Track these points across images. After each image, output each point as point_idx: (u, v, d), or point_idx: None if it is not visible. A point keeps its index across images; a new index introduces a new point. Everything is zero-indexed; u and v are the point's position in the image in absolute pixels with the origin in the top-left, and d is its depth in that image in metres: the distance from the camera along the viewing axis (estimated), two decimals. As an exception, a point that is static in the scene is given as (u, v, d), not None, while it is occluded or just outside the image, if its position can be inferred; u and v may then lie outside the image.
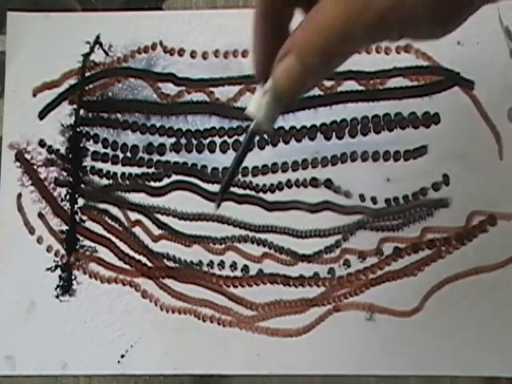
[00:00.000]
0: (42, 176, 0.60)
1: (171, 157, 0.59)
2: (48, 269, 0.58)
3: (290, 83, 0.31)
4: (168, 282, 0.57)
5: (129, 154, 0.59)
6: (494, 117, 0.56)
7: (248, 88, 0.58)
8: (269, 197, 0.57)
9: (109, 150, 0.59)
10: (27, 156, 0.60)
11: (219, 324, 0.56)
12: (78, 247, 0.58)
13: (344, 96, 0.57)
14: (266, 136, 0.58)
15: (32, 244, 0.58)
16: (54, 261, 0.58)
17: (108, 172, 0.59)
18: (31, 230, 0.59)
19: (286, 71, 0.30)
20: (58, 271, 0.58)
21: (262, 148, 0.58)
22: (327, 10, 0.28)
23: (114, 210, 0.59)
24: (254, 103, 0.33)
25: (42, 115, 0.60)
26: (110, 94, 0.60)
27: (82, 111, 0.60)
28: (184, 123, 0.59)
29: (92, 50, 0.60)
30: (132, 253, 0.58)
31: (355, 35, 0.28)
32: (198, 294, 0.57)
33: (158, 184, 0.58)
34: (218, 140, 0.58)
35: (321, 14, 0.29)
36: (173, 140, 0.59)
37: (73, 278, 0.58)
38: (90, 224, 0.59)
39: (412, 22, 0.28)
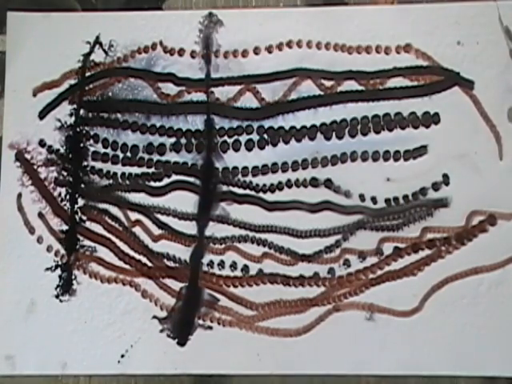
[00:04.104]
0: (42, 176, 0.60)
1: (171, 157, 0.59)
2: (48, 269, 0.58)
3: None
4: (168, 282, 0.57)
5: (129, 154, 0.59)
6: (494, 117, 0.56)
7: (248, 88, 0.58)
8: (269, 197, 0.57)
9: (109, 150, 0.59)
10: (27, 156, 0.60)
11: (219, 324, 0.56)
12: (78, 247, 0.58)
13: (344, 96, 0.57)
14: (265, 136, 0.58)
15: (32, 244, 0.58)
16: (54, 261, 0.58)
17: (108, 172, 0.59)
18: (31, 230, 0.59)
19: None
20: (58, 271, 0.58)
21: (261, 148, 0.58)
22: None
23: (114, 210, 0.59)
24: None
25: (42, 115, 0.60)
26: (109, 94, 0.60)
27: (82, 111, 0.60)
28: (184, 123, 0.59)
29: (92, 49, 0.60)
30: (132, 253, 0.58)
31: None
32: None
33: (158, 184, 0.59)
34: (218, 140, 0.58)
35: None
36: (173, 140, 0.59)
37: (73, 277, 0.58)
38: (89, 224, 0.59)
39: None
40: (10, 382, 0.57)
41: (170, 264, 0.57)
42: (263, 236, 0.57)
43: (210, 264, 0.57)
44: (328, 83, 0.58)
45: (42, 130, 0.60)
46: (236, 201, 0.58)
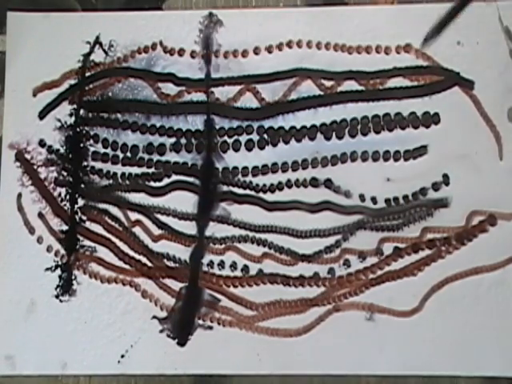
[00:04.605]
0: (42, 176, 0.60)
1: (171, 157, 0.59)
2: (48, 269, 0.58)
3: None
4: (168, 282, 0.57)
5: (129, 154, 0.59)
6: (494, 117, 0.56)
7: (248, 88, 0.58)
8: (269, 197, 0.57)
9: (109, 150, 0.59)
10: (27, 156, 0.60)
11: (219, 324, 0.56)
12: (78, 247, 0.58)
13: (344, 96, 0.57)
14: (265, 136, 0.58)
15: (32, 244, 0.58)
16: (54, 261, 0.58)
17: (108, 172, 0.59)
18: (31, 230, 0.59)
19: None
20: (58, 271, 0.58)
21: (261, 148, 0.58)
22: None
23: (114, 210, 0.59)
24: None
25: (42, 115, 0.60)
26: (109, 93, 0.60)
27: (82, 111, 0.60)
28: (184, 123, 0.59)
29: (92, 50, 0.60)
30: (132, 253, 0.58)
31: None
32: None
33: (158, 184, 0.59)
34: (218, 140, 0.58)
35: None
36: (173, 140, 0.59)
37: (73, 277, 0.58)
38: (89, 224, 0.59)
39: None
40: (9, 381, 0.57)
41: (170, 264, 0.57)
42: (263, 236, 0.57)
43: (210, 264, 0.57)
44: (328, 83, 0.58)
45: (42, 129, 0.60)
46: (236, 201, 0.58)
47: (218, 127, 0.58)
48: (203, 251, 0.57)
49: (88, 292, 0.57)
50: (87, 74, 0.60)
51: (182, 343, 0.55)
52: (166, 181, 0.59)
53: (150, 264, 0.58)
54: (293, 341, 0.55)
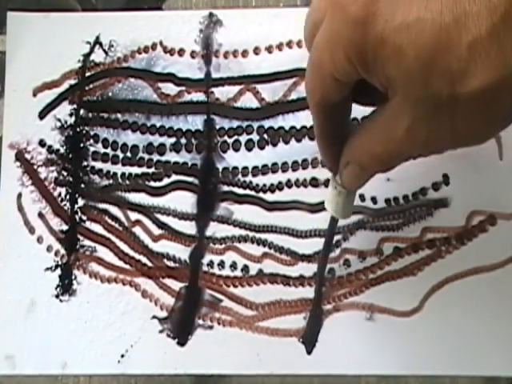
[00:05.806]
0: (42, 176, 0.60)
1: (171, 157, 0.59)
2: (48, 268, 0.58)
3: (356, 184, 0.39)
4: (168, 281, 0.57)
5: (129, 154, 0.59)
6: (493, 117, 0.56)
7: (248, 88, 0.58)
8: (269, 197, 0.57)
9: (109, 150, 0.59)
10: (27, 156, 0.60)
11: (219, 324, 0.56)
12: (78, 247, 0.58)
13: (344, 96, 0.57)
14: (265, 136, 0.58)
15: (32, 244, 0.58)
16: (54, 260, 0.58)
17: (108, 172, 0.59)
18: (31, 230, 0.59)
19: (351, 177, 0.38)
20: (58, 271, 0.58)
21: (262, 148, 0.58)
22: (386, 137, 0.33)
23: (114, 210, 0.59)
24: (331, 203, 0.41)
25: (42, 115, 0.60)
26: (109, 93, 0.60)
27: (82, 111, 0.60)
28: (184, 123, 0.59)
29: (92, 50, 0.60)
30: (132, 253, 0.58)
31: (411, 156, 0.35)
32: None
33: (158, 184, 0.59)
34: (218, 140, 0.58)
35: (378, 140, 0.34)
36: (173, 140, 0.59)
37: (73, 277, 0.58)
38: (89, 224, 0.59)
39: (462, 145, 0.34)
40: (9, 381, 0.57)
41: (170, 264, 0.57)
42: (263, 236, 0.57)
43: (210, 264, 0.57)
44: (328, 83, 0.58)
45: (42, 129, 0.60)
46: (236, 201, 0.58)
47: (218, 127, 0.58)
48: (203, 251, 0.57)
49: (88, 292, 0.57)
50: (87, 74, 0.60)
51: (182, 343, 0.55)
52: (166, 181, 0.59)
53: (150, 264, 0.58)
54: (293, 341, 0.55)
